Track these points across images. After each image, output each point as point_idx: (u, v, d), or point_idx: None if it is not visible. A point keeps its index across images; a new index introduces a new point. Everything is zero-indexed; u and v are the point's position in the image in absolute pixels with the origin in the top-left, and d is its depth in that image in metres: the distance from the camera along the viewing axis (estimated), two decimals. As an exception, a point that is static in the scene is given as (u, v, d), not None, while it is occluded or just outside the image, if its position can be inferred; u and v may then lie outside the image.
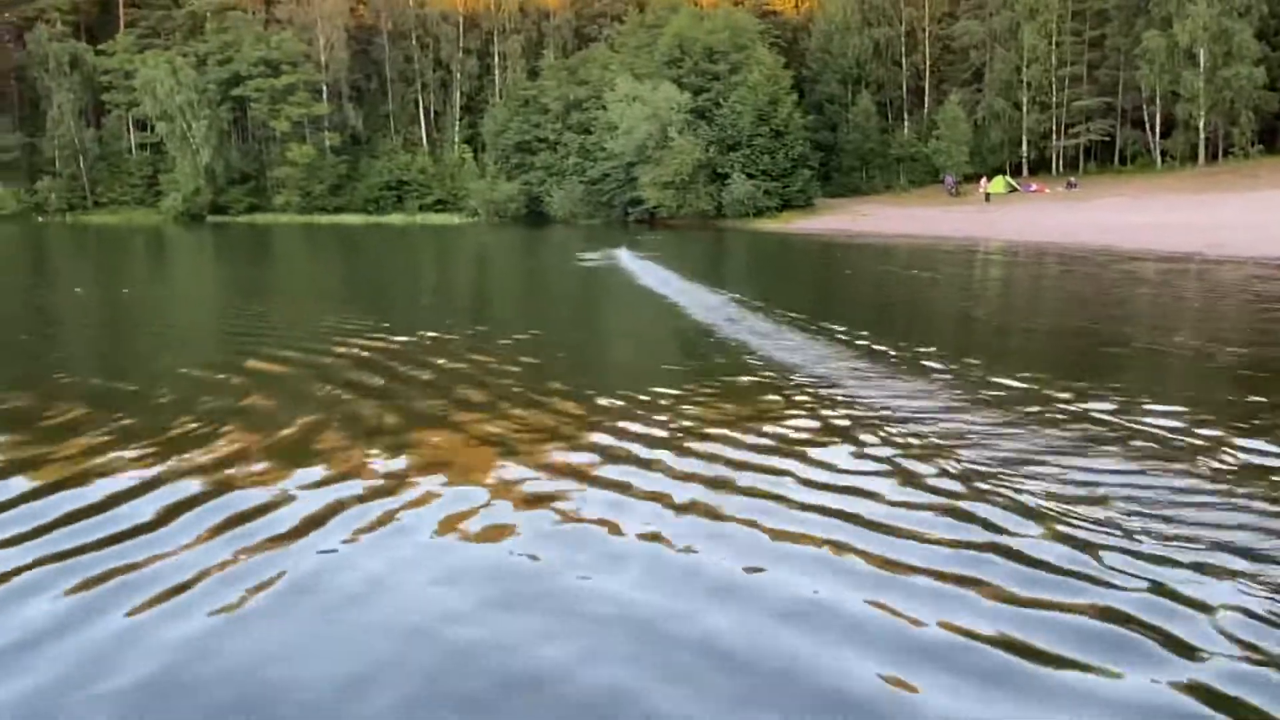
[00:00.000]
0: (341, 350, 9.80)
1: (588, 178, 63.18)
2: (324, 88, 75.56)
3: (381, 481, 5.24)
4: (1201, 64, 49.14)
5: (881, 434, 6.11)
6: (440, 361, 9.27)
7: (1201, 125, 50.68)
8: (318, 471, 5.41)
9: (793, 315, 12.14)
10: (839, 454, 5.70)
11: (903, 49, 68.13)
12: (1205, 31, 48.21)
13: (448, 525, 4.57)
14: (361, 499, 4.90)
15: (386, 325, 11.96)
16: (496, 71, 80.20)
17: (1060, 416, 6.49)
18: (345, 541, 4.33)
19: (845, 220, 48.00)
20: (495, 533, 4.46)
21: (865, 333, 10.52)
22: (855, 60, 67.32)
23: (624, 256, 27.20)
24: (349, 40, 77.46)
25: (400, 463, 5.61)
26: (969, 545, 4.20)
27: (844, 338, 10.21)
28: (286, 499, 4.91)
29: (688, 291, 17.04)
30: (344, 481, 5.24)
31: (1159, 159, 54.25)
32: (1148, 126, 55.05)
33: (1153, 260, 23.27)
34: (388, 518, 4.62)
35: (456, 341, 10.83)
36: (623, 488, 5.09)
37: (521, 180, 67.94)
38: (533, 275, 25.05)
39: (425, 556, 4.21)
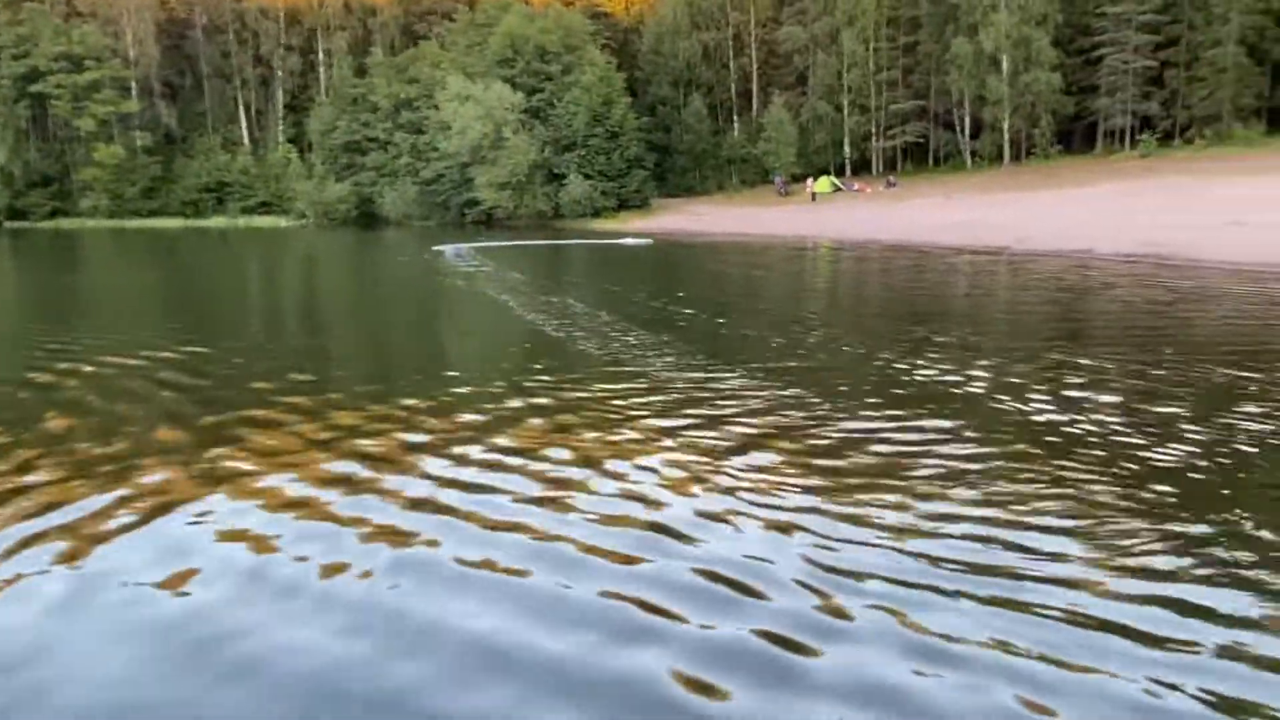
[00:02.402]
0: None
1: (421, 178, 61.94)
2: (133, 84, 71.23)
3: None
4: (1004, 70, 52.50)
5: (682, 440, 6.22)
6: (195, 380, 8.83)
7: (1006, 127, 54.16)
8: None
9: (627, 317, 12.24)
10: (632, 460, 5.67)
11: (731, 52, 69.93)
12: (1007, 39, 51.55)
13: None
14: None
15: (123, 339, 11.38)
16: (322, 69, 77.60)
17: (902, 412, 6.79)
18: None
19: (681, 220, 48.83)
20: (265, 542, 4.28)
21: (694, 337, 10.72)
22: (686, 63, 68.63)
23: (453, 256, 26.97)
24: (160, 34, 73.27)
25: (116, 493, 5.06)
26: (758, 547, 4.31)
27: (679, 342, 10.35)
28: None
29: (519, 292, 16.95)
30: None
31: (969, 159, 57.63)
32: (958, 128, 58.39)
33: (968, 254, 24.68)
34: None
35: (232, 354, 10.38)
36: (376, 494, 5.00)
37: (352, 181, 65.93)
38: (349, 278, 24.35)
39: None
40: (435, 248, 30.73)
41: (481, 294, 17.57)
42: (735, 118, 69.71)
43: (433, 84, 60.51)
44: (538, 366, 9.03)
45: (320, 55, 78.08)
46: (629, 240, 35.13)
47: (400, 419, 6.62)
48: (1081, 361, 8.63)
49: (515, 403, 7.16)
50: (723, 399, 7.19)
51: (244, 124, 77.78)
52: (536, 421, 6.53)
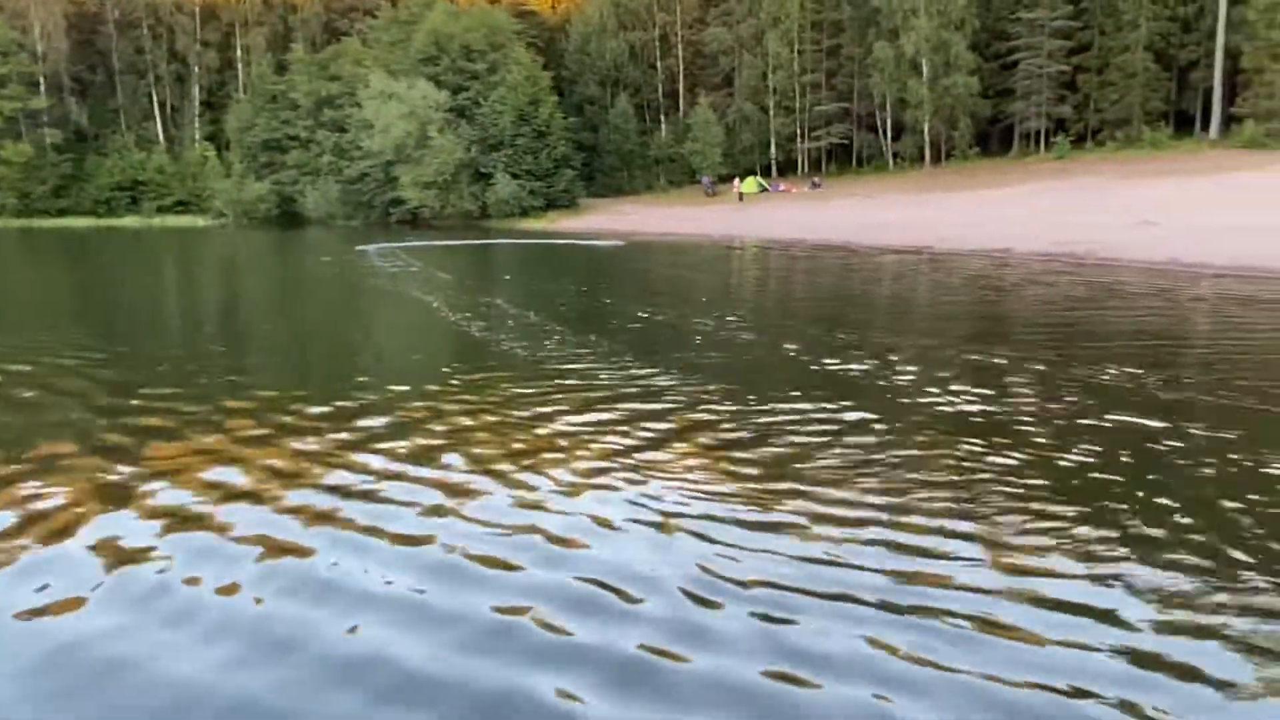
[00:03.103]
0: None
1: (345, 177, 60.85)
2: (41, 80, 68.70)
3: None
4: (924, 73, 53.54)
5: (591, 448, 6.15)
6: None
7: (926, 130, 55.26)
8: None
9: (555, 317, 12.13)
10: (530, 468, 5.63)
11: (657, 53, 70.13)
12: (927, 43, 52.60)
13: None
14: None
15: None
16: (240, 65, 75.79)
17: (814, 404, 6.81)
18: None
19: (610, 219, 48.78)
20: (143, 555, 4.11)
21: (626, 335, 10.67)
22: (613, 63, 68.63)
23: (377, 255, 26.55)
24: (69, 29, 70.81)
25: None
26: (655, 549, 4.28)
27: (605, 340, 10.29)
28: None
29: (445, 291, 16.72)
30: None
31: (891, 161, 58.64)
32: (880, 130, 59.39)
33: (892, 254, 25.07)
34: None
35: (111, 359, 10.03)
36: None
37: (272, 180, 64.43)
38: (266, 279, 23.79)
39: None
40: (359, 248, 30.21)
41: (406, 295, 17.27)
42: (662, 118, 69.93)
43: (355, 81, 59.50)
44: (455, 369, 8.88)
45: (238, 51, 76.25)
46: (600, 243, 34.02)
47: (303, 428, 6.40)
48: (997, 359, 8.76)
49: (427, 408, 6.99)
50: (640, 399, 7.14)
51: (159, 121, 75.59)
52: (440, 428, 6.36)
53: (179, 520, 4.54)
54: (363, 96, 56.52)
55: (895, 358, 8.84)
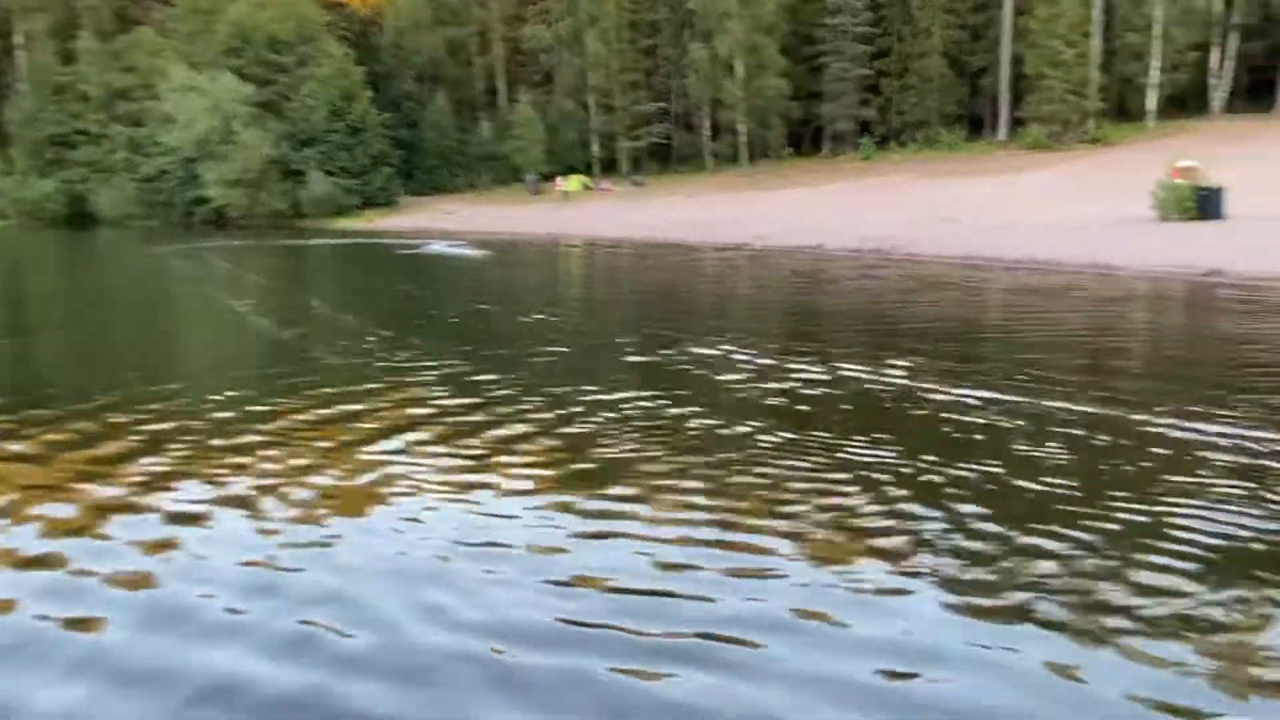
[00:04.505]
0: None
1: (142, 174, 57.11)
2: None
3: None
4: (739, 75, 55.09)
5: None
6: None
7: (741, 130, 56.91)
8: None
9: (374, 319, 11.79)
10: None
11: (476, 49, 69.25)
12: (740, 46, 54.14)
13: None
14: None
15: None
16: (21, 54, 69.86)
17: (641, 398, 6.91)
18: None
19: (433, 218, 47.86)
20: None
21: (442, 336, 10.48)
22: (429, 58, 67.31)
23: (176, 257, 25.10)
24: None
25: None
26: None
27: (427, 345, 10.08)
28: None
29: (251, 296, 15.99)
30: None
31: (710, 160, 60.07)
32: (699, 130, 60.71)
33: (712, 251, 25.69)
34: None
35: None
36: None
37: (60, 177, 59.68)
38: (49, 284, 22.06)
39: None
40: (156, 249, 28.34)
41: (211, 299, 16.38)
42: (483, 115, 69.09)
43: (152, 73, 55.92)
44: (262, 377, 8.49)
45: (19, 38, 70.29)
46: (456, 249, 27.61)
47: (64, 443, 5.96)
48: (817, 350, 9.07)
49: (219, 421, 6.64)
50: (461, 399, 7.00)
51: (-75, 113, 68.79)
52: (218, 441, 5.98)
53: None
54: (162, 89, 53.24)
55: (719, 350, 9.04)
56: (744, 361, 8.48)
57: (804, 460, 5.29)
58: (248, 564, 3.99)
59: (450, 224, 44.21)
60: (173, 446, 5.88)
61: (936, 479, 4.91)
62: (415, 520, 4.51)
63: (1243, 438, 5.52)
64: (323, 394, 7.34)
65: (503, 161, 63.62)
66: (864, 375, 7.73)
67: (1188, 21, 44.83)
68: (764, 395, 7.09)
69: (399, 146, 60.61)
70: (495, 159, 64.64)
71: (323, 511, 4.65)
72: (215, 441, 5.99)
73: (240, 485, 5.06)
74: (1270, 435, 5.58)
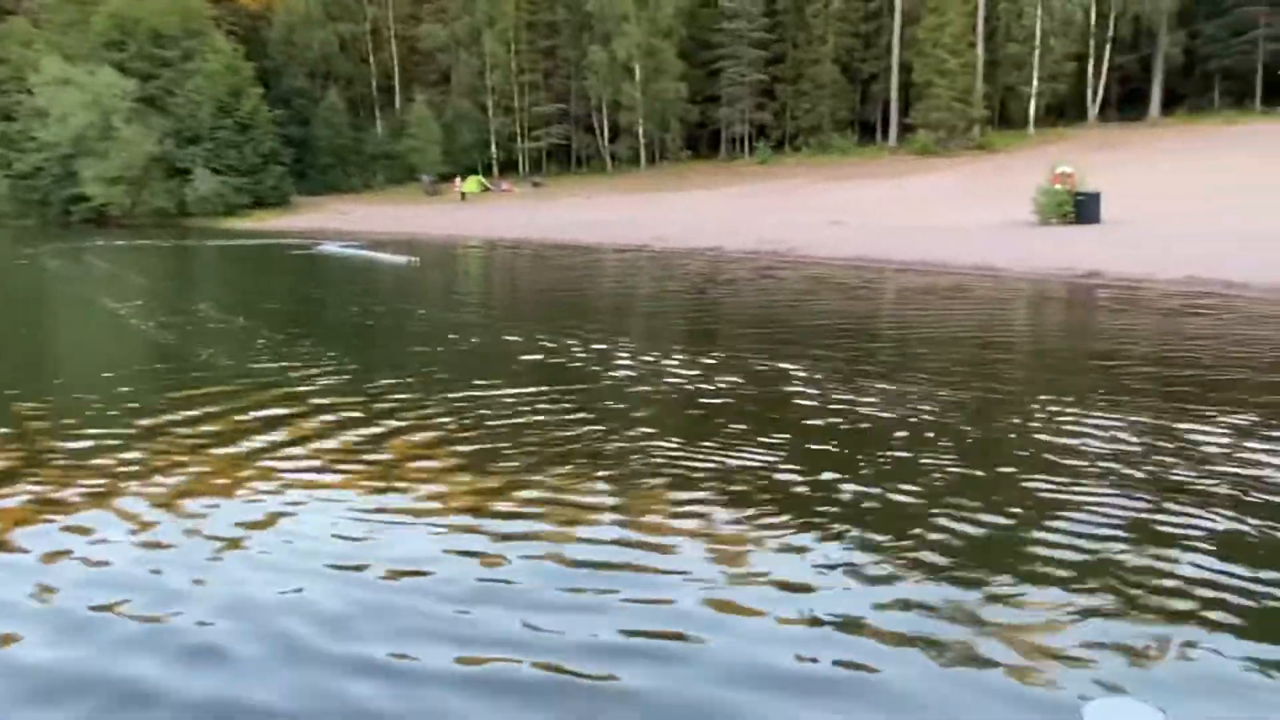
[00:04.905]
0: None
1: (15, 171, 54.30)
2: None
3: None
4: (637, 77, 55.38)
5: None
6: None
7: (641, 132, 57.21)
8: None
9: (267, 322, 11.47)
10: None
11: (370, 47, 67.98)
12: (638, 49, 54.44)
13: None
14: None
15: None
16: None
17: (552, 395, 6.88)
18: None
19: (327, 218, 46.75)
20: None
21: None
22: (321, 55, 65.79)
23: (53, 257, 24.00)
24: None
25: None
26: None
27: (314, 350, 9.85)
28: None
29: (134, 298, 15.39)
30: None
31: (609, 161, 60.21)
32: (598, 132, 60.80)
33: (612, 252, 25.75)
34: None
35: None
36: None
37: (-78, 174, 56.34)
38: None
39: None
40: (29, 250, 27.01)
41: (90, 301, 15.68)
42: (378, 114, 67.81)
43: (25, 66, 53.17)
44: (143, 383, 8.18)
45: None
46: (394, 258, 24.26)
47: None
48: (714, 349, 9.18)
49: (105, 434, 6.38)
50: (352, 399, 6.87)
51: None
52: (104, 461, 5.69)
53: None
54: (35, 82, 50.65)
55: (618, 350, 9.08)
56: (647, 361, 8.54)
57: (705, 459, 5.36)
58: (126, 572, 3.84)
59: (345, 224, 43.26)
60: (43, 457, 5.62)
61: (836, 473, 5.03)
62: (307, 531, 4.42)
63: (1117, 423, 5.81)
64: (207, 396, 7.12)
65: (398, 161, 62.49)
66: (763, 372, 7.87)
67: (1066, 33, 47.00)
68: (666, 393, 7.17)
69: (291, 145, 58.97)
70: (391, 159, 63.44)
71: (212, 521, 4.52)
72: (93, 459, 5.74)
73: (120, 498, 4.87)
74: (1139, 418, 5.89)
